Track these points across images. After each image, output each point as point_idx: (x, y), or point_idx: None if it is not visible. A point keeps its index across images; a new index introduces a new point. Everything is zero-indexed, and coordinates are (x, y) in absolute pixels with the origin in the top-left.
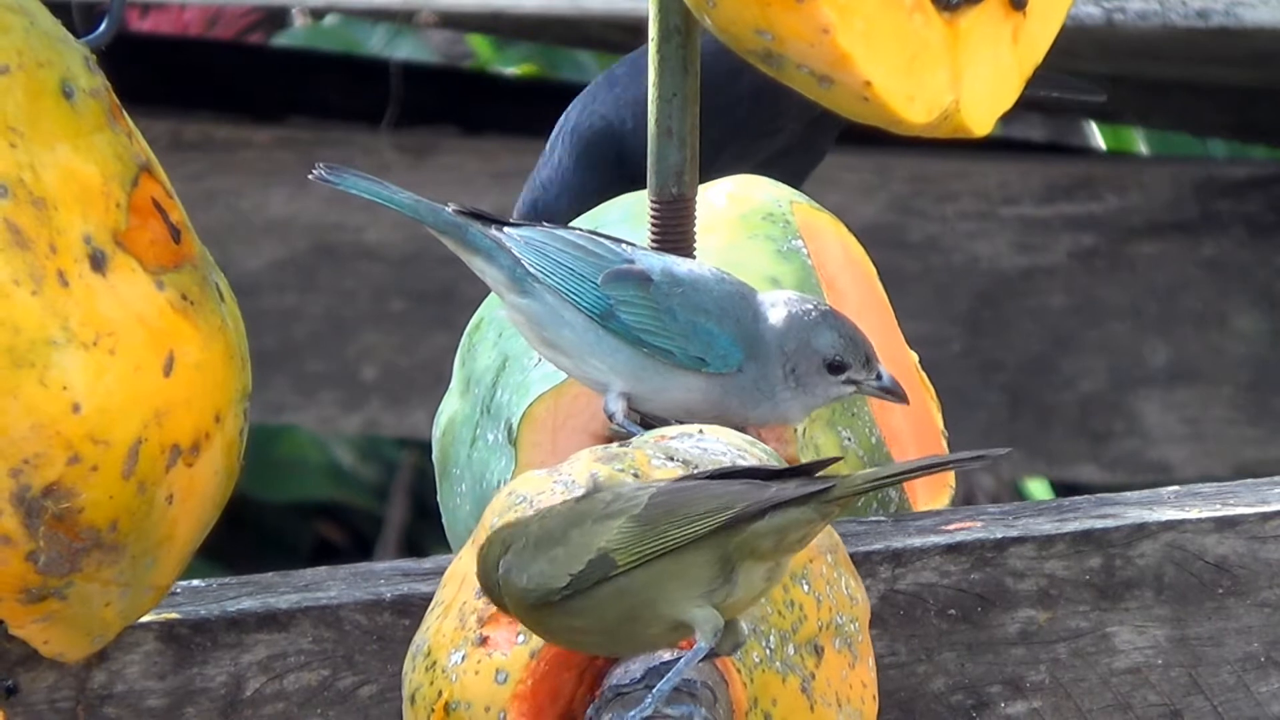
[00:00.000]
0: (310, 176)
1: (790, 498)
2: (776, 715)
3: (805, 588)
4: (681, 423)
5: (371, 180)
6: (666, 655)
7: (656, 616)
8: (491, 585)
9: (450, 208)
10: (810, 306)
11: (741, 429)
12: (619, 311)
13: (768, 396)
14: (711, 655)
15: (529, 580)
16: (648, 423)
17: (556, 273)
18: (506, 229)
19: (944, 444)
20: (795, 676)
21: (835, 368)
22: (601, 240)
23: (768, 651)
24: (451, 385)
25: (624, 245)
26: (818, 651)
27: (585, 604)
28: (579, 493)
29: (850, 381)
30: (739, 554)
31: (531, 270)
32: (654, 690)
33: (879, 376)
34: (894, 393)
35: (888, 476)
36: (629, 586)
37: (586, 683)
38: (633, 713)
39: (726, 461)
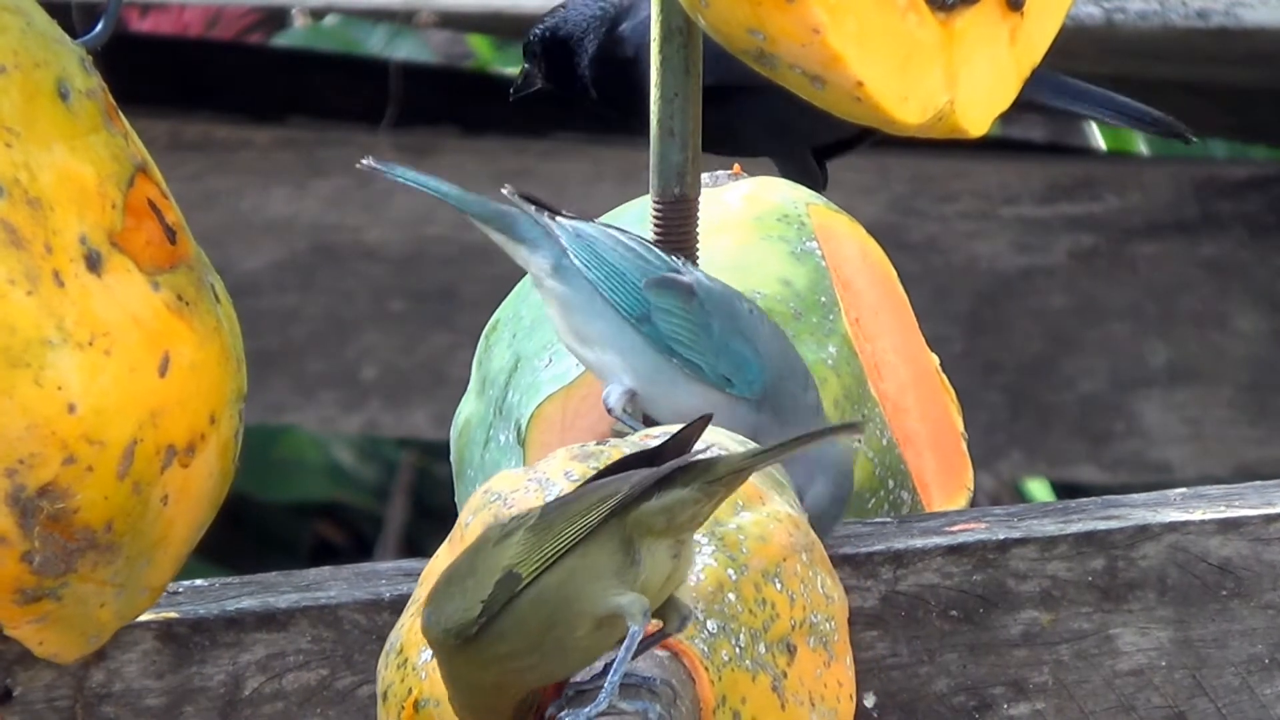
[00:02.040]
0: (359, 166)
1: (663, 475)
2: (746, 713)
3: (778, 586)
4: None
5: (418, 171)
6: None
7: (578, 616)
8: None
9: (505, 190)
10: (849, 465)
11: None
12: (656, 317)
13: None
14: (660, 637)
15: (446, 621)
16: (648, 419)
17: (601, 268)
18: (559, 218)
19: (963, 445)
20: (766, 675)
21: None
22: (653, 248)
23: (737, 650)
24: (469, 386)
25: (676, 258)
26: (790, 650)
27: (505, 625)
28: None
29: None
30: (637, 534)
31: (575, 262)
32: (605, 685)
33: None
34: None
35: (761, 454)
36: (541, 594)
37: (554, 682)
38: (588, 709)
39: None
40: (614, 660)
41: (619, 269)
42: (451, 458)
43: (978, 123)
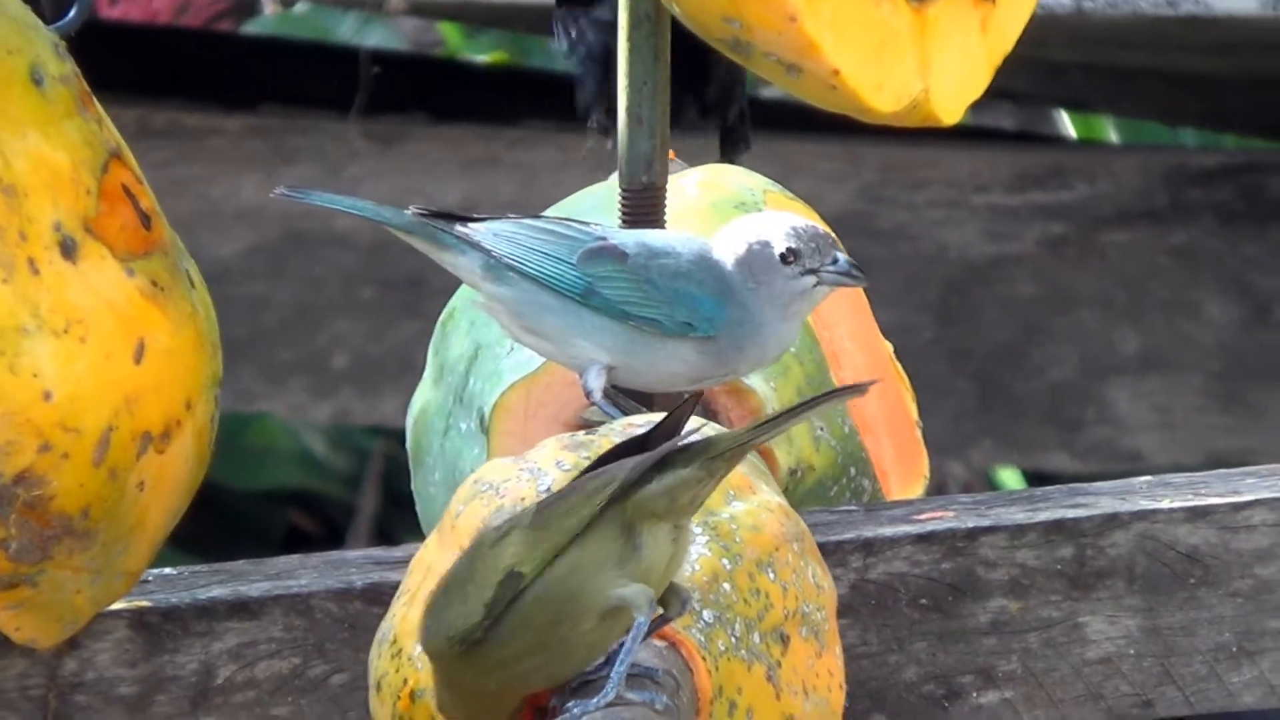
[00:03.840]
0: (272, 195)
1: (659, 456)
2: (742, 703)
3: (771, 576)
4: (653, 404)
5: (331, 193)
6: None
7: (583, 610)
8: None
9: (411, 210)
10: (756, 215)
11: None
12: (600, 288)
13: (751, 331)
14: (662, 623)
15: (448, 629)
16: (622, 405)
17: (530, 259)
18: (472, 224)
19: (918, 433)
20: (761, 664)
21: (787, 258)
22: (570, 223)
23: (733, 640)
24: (425, 374)
25: (593, 225)
26: (784, 640)
27: (510, 626)
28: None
29: (808, 271)
30: (637, 518)
31: (505, 260)
32: (612, 674)
33: (835, 261)
34: (852, 275)
35: (760, 426)
36: (545, 591)
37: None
38: (595, 699)
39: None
40: (618, 651)
41: (548, 253)
42: (408, 445)
43: (951, 111)
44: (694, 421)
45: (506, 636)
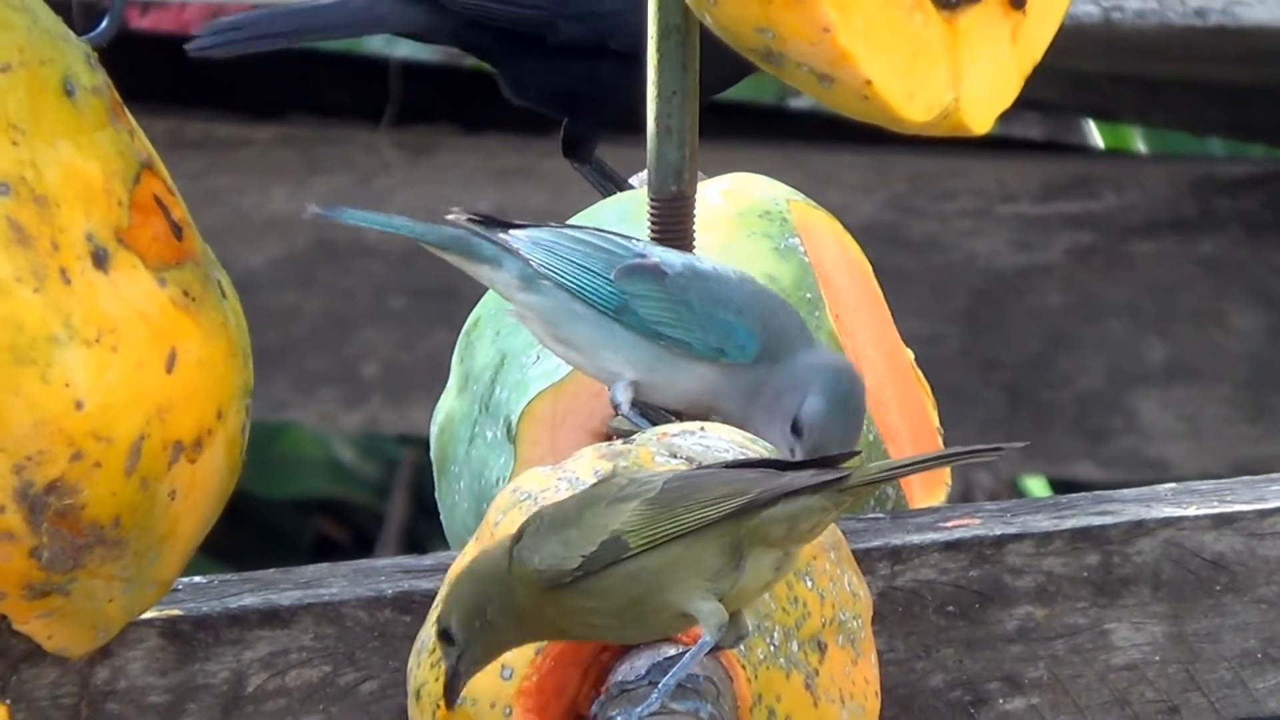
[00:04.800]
0: (305, 216)
1: (805, 485)
2: (780, 711)
3: (809, 584)
4: (683, 415)
5: (365, 211)
6: (670, 650)
7: (664, 604)
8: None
9: (451, 215)
10: (844, 371)
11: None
12: (634, 305)
13: (768, 402)
14: (716, 649)
15: (540, 561)
16: (651, 416)
17: (568, 270)
18: (512, 231)
19: (939, 441)
20: (799, 673)
21: (795, 429)
22: (611, 236)
23: (772, 648)
24: (449, 383)
25: (635, 241)
26: (821, 648)
27: (596, 585)
28: (594, 480)
29: (790, 449)
30: (750, 541)
31: (541, 270)
32: (659, 685)
33: (793, 453)
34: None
35: (901, 467)
36: (640, 570)
37: (590, 679)
38: (640, 708)
39: (729, 458)
40: (667, 659)
41: (586, 267)
42: (432, 455)
43: (981, 120)
44: (734, 443)
45: (589, 592)
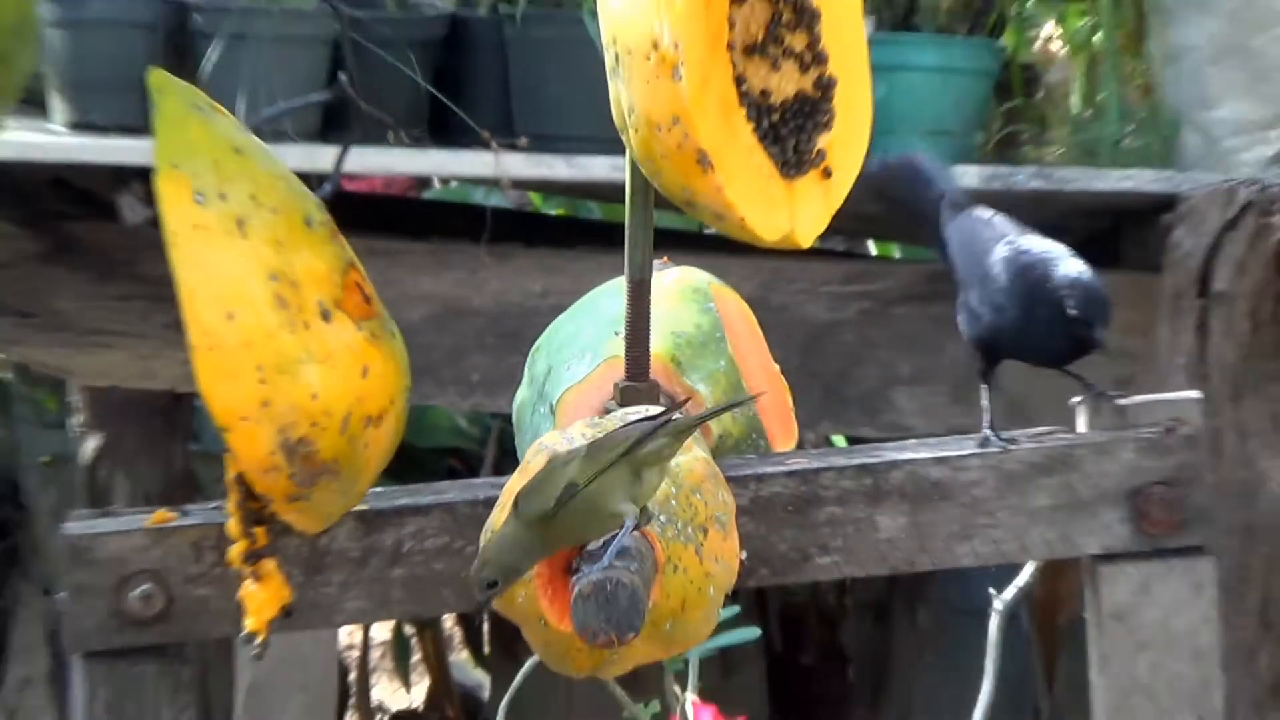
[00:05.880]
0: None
1: (657, 427)
2: (681, 566)
3: (699, 496)
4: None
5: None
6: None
7: (605, 511)
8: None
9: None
10: None
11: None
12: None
13: None
14: (637, 527)
15: (532, 512)
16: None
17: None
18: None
19: (793, 417)
20: (692, 545)
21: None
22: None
23: (675, 531)
24: (522, 382)
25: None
26: (705, 531)
27: (565, 514)
28: (545, 459)
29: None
30: (643, 463)
31: None
32: (609, 549)
33: None
34: None
35: (703, 415)
36: (586, 498)
37: (572, 556)
38: (599, 564)
39: (631, 419)
40: (614, 537)
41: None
42: (513, 422)
43: (807, 239)
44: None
45: (564, 518)
